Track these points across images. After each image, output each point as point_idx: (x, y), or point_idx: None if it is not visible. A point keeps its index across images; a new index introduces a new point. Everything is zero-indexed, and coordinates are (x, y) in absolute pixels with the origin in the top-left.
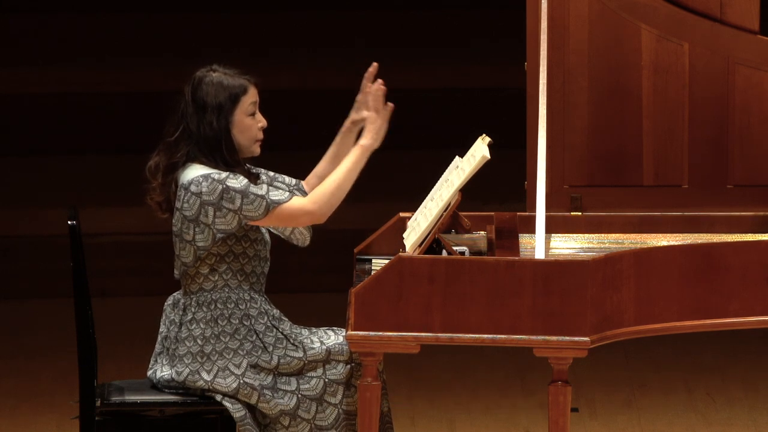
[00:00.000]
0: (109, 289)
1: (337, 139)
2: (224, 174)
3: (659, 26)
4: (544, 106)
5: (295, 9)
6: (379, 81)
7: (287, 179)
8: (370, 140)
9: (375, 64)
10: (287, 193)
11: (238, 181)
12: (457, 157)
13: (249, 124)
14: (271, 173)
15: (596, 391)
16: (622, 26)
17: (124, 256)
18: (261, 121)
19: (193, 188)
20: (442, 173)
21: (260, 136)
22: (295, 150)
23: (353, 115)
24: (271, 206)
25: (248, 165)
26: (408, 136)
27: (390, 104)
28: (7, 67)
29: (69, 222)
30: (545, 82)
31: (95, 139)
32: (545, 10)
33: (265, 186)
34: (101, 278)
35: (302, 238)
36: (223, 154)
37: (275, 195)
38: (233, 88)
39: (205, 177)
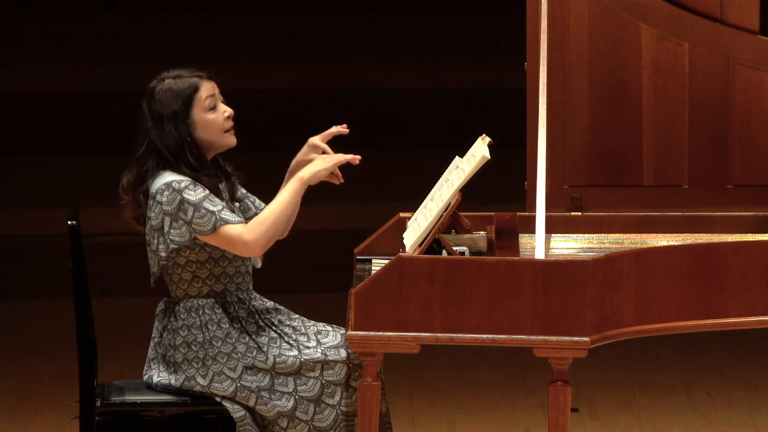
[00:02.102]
0: (109, 289)
1: (286, 178)
2: (184, 183)
3: (659, 26)
4: (544, 106)
5: (296, 9)
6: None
7: (257, 201)
8: (308, 174)
9: (346, 129)
10: (238, 217)
11: (195, 193)
12: (457, 157)
13: (211, 119)
14: (244, 191)
15: (596, 391)
16: (622, 26)
17: (124, 256)
18: (226, 111)
19: (158, 198)
20: (442, 173)
21: (228, 125)
22: (294, 150)
23: (299, 156)
24: (218, 223)
25: (230, 168)
26: (408, 136)
27: (358, 158)
28: (7, 67)
29: (69, 222)
30: (545, 82)
31: (95, 139)
32: (545, 10)
33: (220, 204)
34: (101, 278)
35: (254, 259)
36: (188, 159)
37: (226, 214)
38: (183, 90)
39: (168, 186)
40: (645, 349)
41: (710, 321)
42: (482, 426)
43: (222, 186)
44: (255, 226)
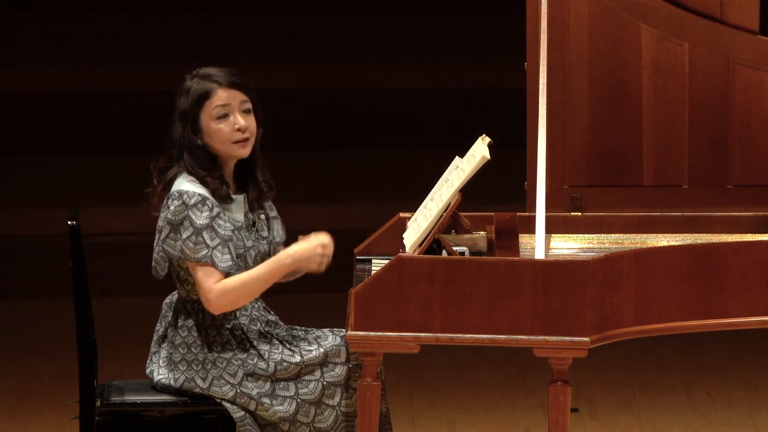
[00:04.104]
0: (109, 289)
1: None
2: (194, 199)
3: (659, 26)
4: (544, 106)
5: (296, 9)
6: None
7: (276, 232)
8: (297, 262)
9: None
10: (228, 263)
11: (201, 216)
12: (457, 157)
13: (217, 129)
14: (275, 213)
15: (596, 391)
16: (622, 26)
17: (124, 256)
18: (236, 123)
19: (169, 202)
20: (442, 173)
21: (236, 137)
22: (293, 150)
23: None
24: (203, 259)
25: (264, 178)
26: (408, 136)
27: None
28: (7, 67)
29: (69, 222)
30: (545, 82)
31: (95, 139)
32: (545, 10)
33: (219, 238)
34: (101, 278)
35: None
36: (186, 163)
37: (217, 255)
38: (195, 93)
39: (180, 195)
40: (645, 349)
41: (710, 321)
42: (482, 426)
43: (242, 197)
44: (223, 291)
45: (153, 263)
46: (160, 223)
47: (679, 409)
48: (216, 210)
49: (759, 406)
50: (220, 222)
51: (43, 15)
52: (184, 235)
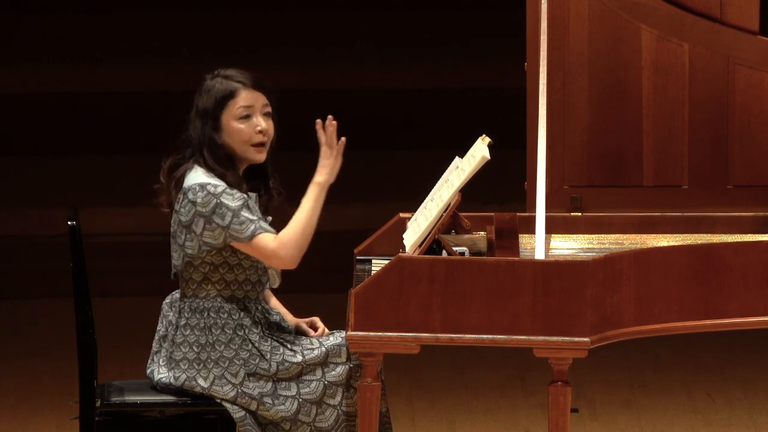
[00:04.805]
0: (109, 289)
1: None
2: (220, 188)
3: (659, 26)
4: (544, 106)
5: (296, 9)
6: (330, 117)
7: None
8: (325, 176)
9: (328, 122)
10: (273, 229)
11: (233, 199)
12: (457, 157)
13: (237, 129)
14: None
15: (596, 391)
16: (622, 26)
17: (124, 256)
18: (258, 125)
19: (190, 195)
20: (442, 173)
21: (256, 140)
22: (294, 151)
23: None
24: (257, 231)
25: (275, 183)
26: (408, 136)
27: (343, 139)
28: (7, 67)
29: (69, 222)
30: (545, 82)
31: (95, 139)
32: (545, 10)
33: (257, 212)
34: (101, 278)
35: (272, 278)
36: (206, 160)
37: (264, 223)
38: (219, 92)
39: (202, 187)
40: (645, 350)
41: (710, 321)
42: (482, 426)
43: (254, 197)
44: (285, 239)
45: (184, 259)
46: (183, 219)
47: (679, 410)
48: (245, 196)
49: (758, 407)
50: (251, 204)
51: (43, 15)
52: (226, 222)
